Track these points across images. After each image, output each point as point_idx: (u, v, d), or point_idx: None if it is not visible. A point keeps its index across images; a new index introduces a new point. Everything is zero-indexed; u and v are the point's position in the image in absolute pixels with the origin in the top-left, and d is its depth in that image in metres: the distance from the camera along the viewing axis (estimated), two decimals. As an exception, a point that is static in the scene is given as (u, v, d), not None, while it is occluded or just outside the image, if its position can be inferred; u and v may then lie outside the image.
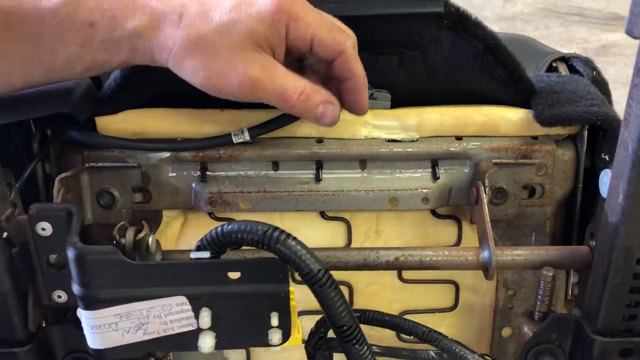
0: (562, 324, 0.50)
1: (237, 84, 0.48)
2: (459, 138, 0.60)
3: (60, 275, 0.46)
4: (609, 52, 2.23)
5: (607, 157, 0.57)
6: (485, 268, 0.52)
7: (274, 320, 0.45)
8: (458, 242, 0.64)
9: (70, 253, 0.43)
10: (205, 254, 0.45)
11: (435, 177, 0.60)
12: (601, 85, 0.63)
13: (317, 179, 0.59)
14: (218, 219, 0.62)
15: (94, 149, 0.58)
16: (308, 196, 0.59)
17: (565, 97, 0.59)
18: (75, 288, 0.44)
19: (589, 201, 0.60)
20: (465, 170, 0.60)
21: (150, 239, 0.48)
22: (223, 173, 0.59)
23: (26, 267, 0.46)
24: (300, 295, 0.48)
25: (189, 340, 0.46)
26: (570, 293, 0.62)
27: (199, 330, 0.45)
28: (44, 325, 0.50)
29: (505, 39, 0.58)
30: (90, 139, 0.57)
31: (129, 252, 0.46)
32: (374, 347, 0.54)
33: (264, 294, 0.45)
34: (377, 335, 0.64)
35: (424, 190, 0.59)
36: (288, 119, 0.57)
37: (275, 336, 0.46)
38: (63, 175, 0.55)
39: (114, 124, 0.58)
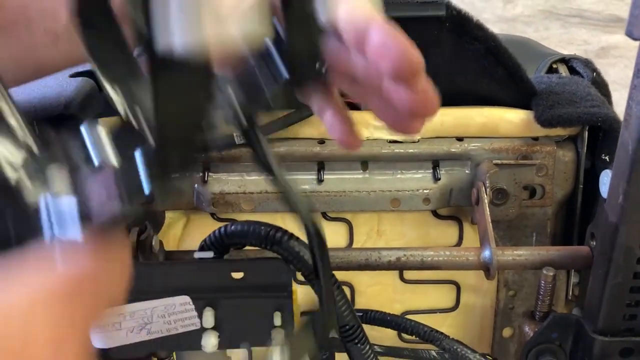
0: (563, 324, 0.51)
1: None
2: (459, 139, 0.60)
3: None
4: (609, 53, 2.24)
5: (607, 158, 0.58)
6: (486, 268, 0.53)
7: (277, 320, 0.46)
8: (459, 242, 0.65)
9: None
10: (209, 254, 0.45)
11: (436, 177, 0.60)
12: (601, 86, 0.64)
13: (319, 179, 0.60)
14: (220, 220, 0.63)
15: (97, 150, 0.58)
16: (310, 197, 0.59)
17: (566, 98, 0.59)
18: (80, 288, 0.44)
19: (590, 202, 0.61)
20: (466, 171, 0.61)
21: (153, 240, 0.48)
22: (225, 174, 0.60)
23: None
24: (303, 295, 0.48)
25: (192, 339, 0.46)
26: (570, 293, 0.63)
27: (202, 330, 0.46)
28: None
29: (506, 40, 0.58)
30: (93, 140, 0.58)
31: (133, 253, 0.47)
32: (375, 346, 0.54)
33: (267, 294, 0.45)
34: (379, 335, 0.65)
35: (425, 191, 0.60)
36: (290, 120, 0.57)
37: (278, 336, 0.46)
38: (67, 176, 0.55)
39: (117, 124, 0.58)
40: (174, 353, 0.53)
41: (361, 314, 0.55)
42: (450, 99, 0.60)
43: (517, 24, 2.58)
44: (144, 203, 0.24)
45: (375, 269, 0.54)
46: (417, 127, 0.38)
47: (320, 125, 0.53)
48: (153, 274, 0.44)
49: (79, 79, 0.58)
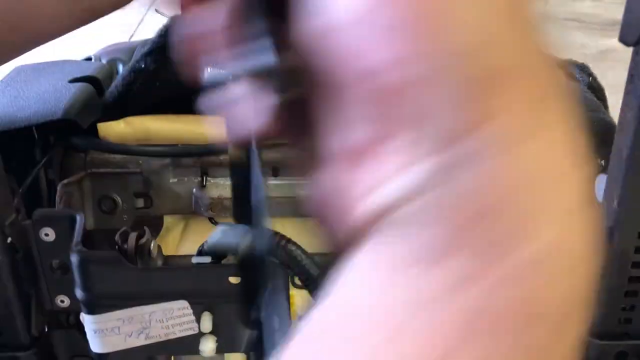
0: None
1: None
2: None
3: (63, 280, 0.47)
4: (608, 57, 2.24)
5: (602, 163, 0.58)
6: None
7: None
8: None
9: (74, 259, 0.44)
10: (206, 259, 0.45)
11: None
12: (597, 91, 0.64)
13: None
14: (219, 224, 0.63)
15: (96, 154, 0.59)
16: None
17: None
18: (79, 293, 0.45)
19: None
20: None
21: (152, 244, 0.49)
22: (223, 179, 0.60)
23: (29, 272, 0.47)
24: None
25: (190, 344, 0.46)
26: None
27: (200, 335, 0.46)
28: (46, 329, 0.51)
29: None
30: (92, 144, 0.58)
31: (131, 257, 0.47)
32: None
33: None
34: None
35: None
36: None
37: (275, 340, 0.46)
38: (66, 181, 0.56)
39: (116, 130, 0.59)
40: (172, 357, 0.53)
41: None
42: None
43: (515, 28, 2.58)
44: None
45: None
46: None
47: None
48: (151, 279, 0.45)
49: (78, 84, 0.59)
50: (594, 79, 0.65)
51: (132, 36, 2.28)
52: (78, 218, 0.45)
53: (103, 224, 0.60)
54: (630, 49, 0.40)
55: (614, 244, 0.45)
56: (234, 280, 0.45)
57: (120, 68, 0.69)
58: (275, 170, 0.60)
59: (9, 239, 0.45)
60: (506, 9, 0.18)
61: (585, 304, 0.18)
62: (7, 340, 0.48)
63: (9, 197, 0.48)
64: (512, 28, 0.18)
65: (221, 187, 0.60)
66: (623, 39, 0.37)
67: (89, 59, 0.72)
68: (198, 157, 0.59)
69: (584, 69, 0.66)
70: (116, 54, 0.71)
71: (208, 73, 0.26)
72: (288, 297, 0.48)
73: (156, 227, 0.62)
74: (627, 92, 0.40)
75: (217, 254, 0.46)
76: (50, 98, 0.55)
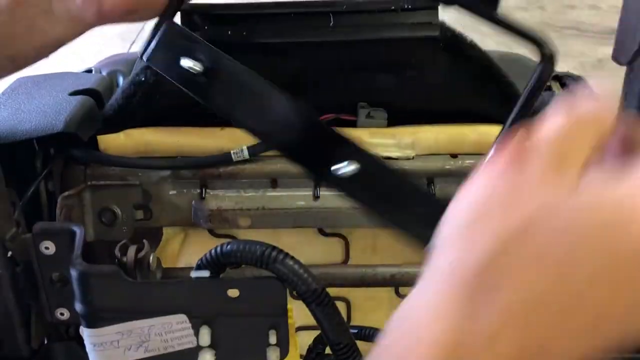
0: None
1: None
2: (454, 156, 0.61)
3: (63, 292, 0.47)
4: (606, 66, 2.25)
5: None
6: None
7: (272, 338, 0.46)
8: (454, 258, 0.65)
9: (74, 272, 0.44)
10: (205, 273, 0.45)
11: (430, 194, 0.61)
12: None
13: (315, 196, 0.60)
14: (218, 236, 0.63)
15: (96, 167, 0.59)
16: (306, 213, 0.60)
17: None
18: (78, 306, 0.45)
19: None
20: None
21: (151, 257, 0.49)
22: (222, 191, 0.60)
23: (30, 284, 0.47)
24: (298, 310, 0.48)
25: (189, 357, 0.46)
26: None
27: (198, 348, 0.46)
28: (46, 342, 0.51)
29: (500, 58, 0.59)
30: (92, 157, 0.58)
31: (131, 270, 0.47)
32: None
33: (262, 312, 0.45)
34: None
35: (420, 208, 0.60)
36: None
37: (273, 354, 0.47)
38: (66, 193, 0.56)
39: (115, 142, 0.59)
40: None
41: (357, 330, 0.55)
42: (445, 117, 0.61)
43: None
44: None
45: (370, 285, 0.54)
46: None
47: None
48: (150, 293, 0.45)
49: (79, 97, 0.59)
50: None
51: (132, 44, 2.29)
52: (78, 232, 0.46)
53: (103, 236, 0.60)
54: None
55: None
56: (232, 294, 0.45)
57: (121, 80, 0.70)
58: (274, 182, 0.61)
59: (10, 253, 0.46)
60: None
61: None
62: (7, 352, 0.48)
63: (9, 211, 0.48)
64: None
65: (220, 198, 0.60)
66: (616, 59, 0.37)
67: (89, 70, 0.72)
68: (197, 169, 0.59)
69: (579, 81, 0.67)
70: (116, 65, 0.72)
71: None
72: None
73: (156, 238, 0.63)
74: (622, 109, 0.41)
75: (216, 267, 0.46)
76: (51, 111, 0.55)
